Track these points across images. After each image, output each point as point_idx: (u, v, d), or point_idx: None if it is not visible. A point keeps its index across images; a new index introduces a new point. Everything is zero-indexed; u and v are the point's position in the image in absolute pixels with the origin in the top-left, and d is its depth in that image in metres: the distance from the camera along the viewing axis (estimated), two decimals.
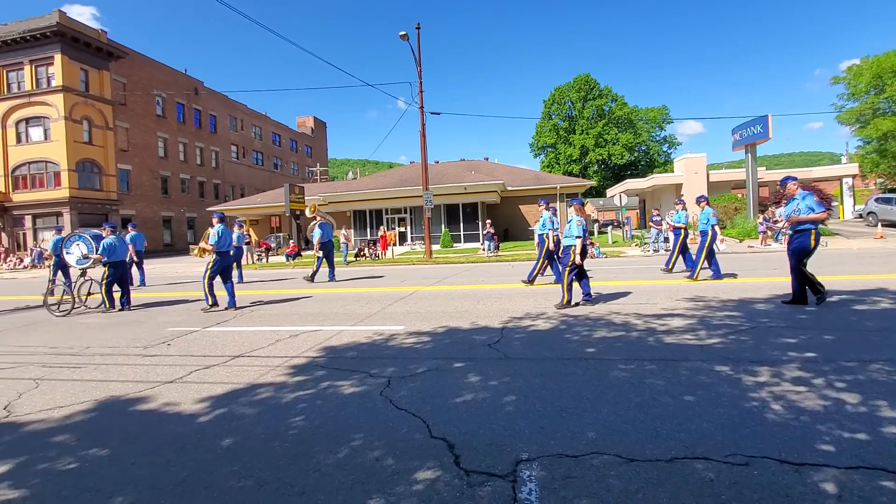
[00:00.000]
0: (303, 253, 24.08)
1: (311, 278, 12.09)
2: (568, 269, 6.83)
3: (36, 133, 31.70)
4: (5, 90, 31.82)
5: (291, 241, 24.39)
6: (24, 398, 3.98)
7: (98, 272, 9.03)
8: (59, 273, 10.71)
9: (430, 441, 2.76)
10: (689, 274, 9.35)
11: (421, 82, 19.20)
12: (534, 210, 30.42)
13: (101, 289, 8.80)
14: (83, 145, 32.14)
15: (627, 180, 41.52)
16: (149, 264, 24.56)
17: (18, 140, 31.84)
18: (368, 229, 29.51)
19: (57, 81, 30.79)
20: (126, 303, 9.02)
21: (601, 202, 53.05)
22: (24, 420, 3.47)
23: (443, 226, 28.34)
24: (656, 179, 36.50)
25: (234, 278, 13.42)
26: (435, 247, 25.08)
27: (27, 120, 31.72)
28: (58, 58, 30.65)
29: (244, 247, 22.94)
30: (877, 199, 25.17)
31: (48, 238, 23.27)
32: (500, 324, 5.92)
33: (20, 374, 4.73)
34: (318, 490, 2.31)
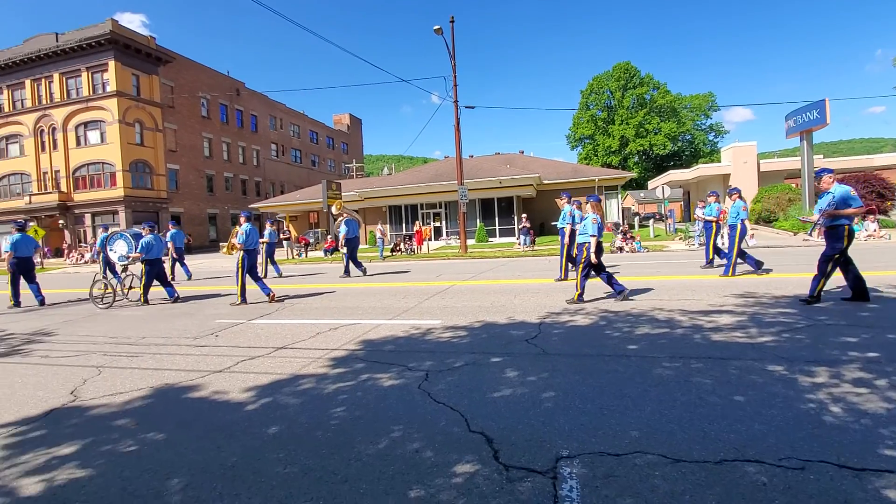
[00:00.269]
0: (341, 248, 24.59)
1: (347, 273, 12.40)
2: (581, 265, 6.76)
3: (93, 136, 33.81)
4: (65, 96, 34.08)
5: (329, 237, 24.96)
6: (88, 384, 4.26)
7: (138, 268, 9.57)
8: (107, 268, 11.40)
9: (468, 435, 2.77)
10: (722, 272, 8.88)
11: (455, 76, 19.14)
12: None
13: (139, 285, 9.39)
14: (135, 147, 34.02)
15: (670, 171, 39.97)
16: (195, 259, 25.77)
17: (78, 143, 34.08)
18: (404, 224, 29.80)
19: (111, 87, 32.69)
20: (173, 294, 9.53)
21: (642, 194, 51.43)
22: (88, 404, 3.72)
23: (478, 220, 28.25)
24: (702, 170, 34.93)
25: (271, 272, 14.01)
26: (470, 241, 25.05)
27: (85, 124, 33.88)
28: (111, 64, 32.53)
29: (284, 242, 23.86)
30: None
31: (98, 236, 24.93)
32: (537, 319, 5.85)
33: (84, 362, 5.07)
34: (360, 479, 2.36)
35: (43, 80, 34.56)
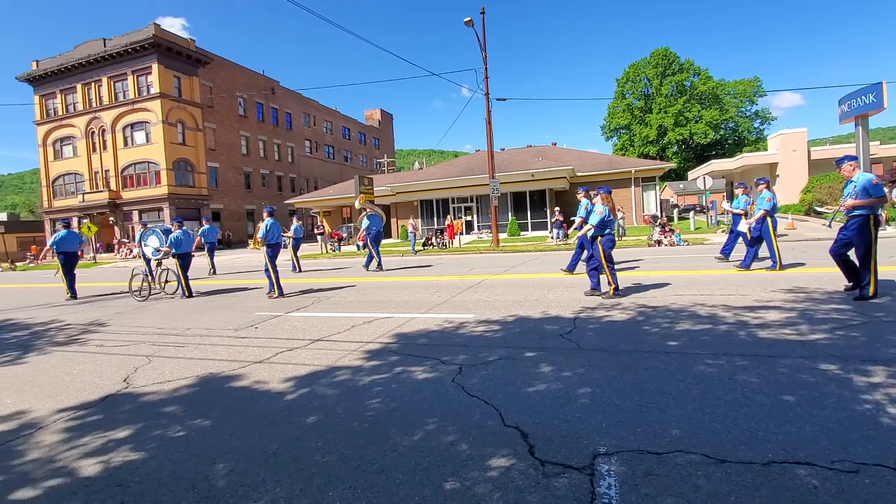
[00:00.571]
0: (360, 240, 24.91)
1: (379, 267, 12.65)
2: (604, 262, 6.63)
3: (139, 137, 35.50)
4: (113, 99, 35.89)
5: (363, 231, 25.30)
6: (139, 372, 4.50)
7: (173, 262, 10.03)
8: (145, 263, 11.96)
9: (503, 429, 2.76)
10: (770, 265, 8.49)
11: (486, 68, 18.94)
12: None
13: (179, 279, 9.85)
14: (178, 146, 35.49)
15: (712, 161, 38.34)
16: (233, 254, 26.71)
17: (125, 143, 35.88)
18: (435, 219, 29.90)
19: (155, 89, 34.18)
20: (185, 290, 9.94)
21: (681, 186, 49.61)
22: (140, 391, 3.93)
23: (509, 214, 28.02)
24: (746, 159, 33.33)
25: (288, 266, 14.37)
26: (502, 235, 24.89)
27: (132, 125, 35.61)
28: (155, 67, 33.99)
29: (318, 237, 24.40)
30: None
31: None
32: (572, 314, 5.76)
33: (135, 351, 5.36)
34: (397, 469, 2.39)
35: (93, 83, 36.49)
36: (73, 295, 10.66)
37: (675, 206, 39.89)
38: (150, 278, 9.98)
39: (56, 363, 5.08)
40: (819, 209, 16.58)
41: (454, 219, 26.80)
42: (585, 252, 8.91)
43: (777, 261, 8.31)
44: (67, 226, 11.25)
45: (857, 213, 5.54)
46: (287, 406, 3.37)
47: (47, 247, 11.03)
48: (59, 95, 38.03)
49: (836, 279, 6.96)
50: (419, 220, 29.65)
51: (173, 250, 9.67)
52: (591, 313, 5.72)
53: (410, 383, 3.65)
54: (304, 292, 9.30)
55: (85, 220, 32.16)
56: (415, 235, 19.73)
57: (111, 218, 36.53)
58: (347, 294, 8.72)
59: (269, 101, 46.12)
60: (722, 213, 23.74)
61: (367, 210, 13.02)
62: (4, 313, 9.25)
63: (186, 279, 9.90)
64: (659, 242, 15.77)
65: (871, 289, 5.47)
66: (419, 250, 19.78)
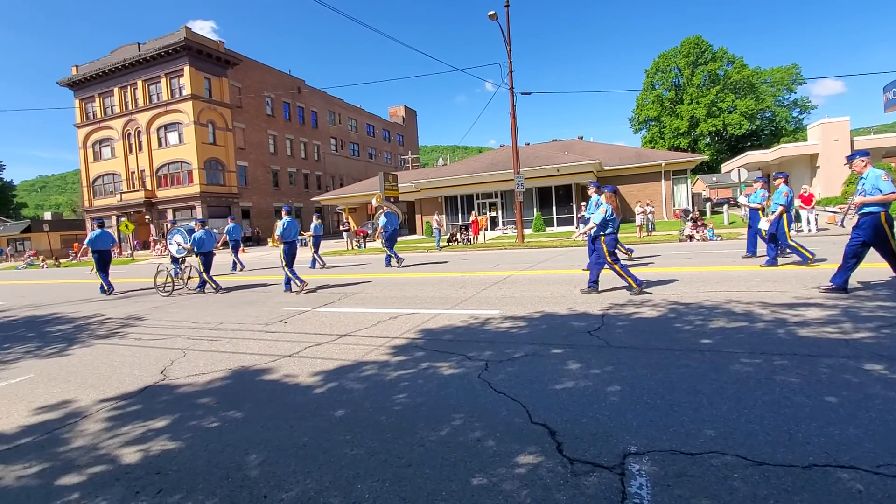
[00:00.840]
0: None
1: (396, 262, 12.81)
2: (608, 258, 6.61)
3: (172, 137, 36.71)
4: (148, 101, 37.19)
5: None
6: (175, 365, 4.67)
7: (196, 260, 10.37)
8: (172, 260, 12.40)
9: (530, 426, 2.74)
10: (800, 260, 8.19)
11: (510, 62, 18.74)
12: (634, 190, 28.49)
13: (205, 276, 10.16)
14: (209, 146, 36.53)
15: (747, 153, 36.99)
16: (261, 251, 27.35)
17: (160, 144, 37.16)
18: (460, 214, 29.85)
19: (187, 90, 35.23)
20: (201, 286, 10.28)
21: (714, 179, 47.89)
22: (176, 383, 4.08)
23: (535, 209, 27.72)
24: (784, 150, 32.01)
25: (307, 263, 14.63)
26: (527, 231, 24.67)
27: (165, 126, 36.85)
28: (186, 69, 35.03)
29: (344, 234, 24.72)
30: None
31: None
32: (600, 310, 5.66)
33: (171, 345, 5.56)
34: (424, 464, 2.40)
35: (128, 87, 37.90)
36: (108, 290, 11.19)
37: (708, 199, 38.58)
38: (172, 275, 10.42)
39: (98, 355, 5.32)
40: (834, 210, 15.98)
41: (479, 214, 26.67)
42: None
43: (806, 255, 8.07)
44: (101, 225, 11.82)
45: (867, 210, 5.39)
46: (316, 399, 3.43)
47: (84, 245, 11.59)
48: (97, 99, 39.65)
49: (880, 273, 6.60)
50: (444, 216, 29.65)
51: (196, 248, 10.03)
52: (621, 310, 5.60)
53: (436, 379, 3.66)
54: (328, 287, 9.45)
55: (123, 219, 33.54)
56: (439, 231, 19.75)
57: (147, 216, 37.95)
58: (373, 290, 8.81)
59: (295, 100, 46.92)
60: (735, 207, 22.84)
61: (385, 208, 13.18)
62: (51, 307, 9.74)
63: (210, 276, 10.23)
64: (691, 237, 15.32)
65: None
66: (444, 246, 19.80)
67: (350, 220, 24.03)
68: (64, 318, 8.17)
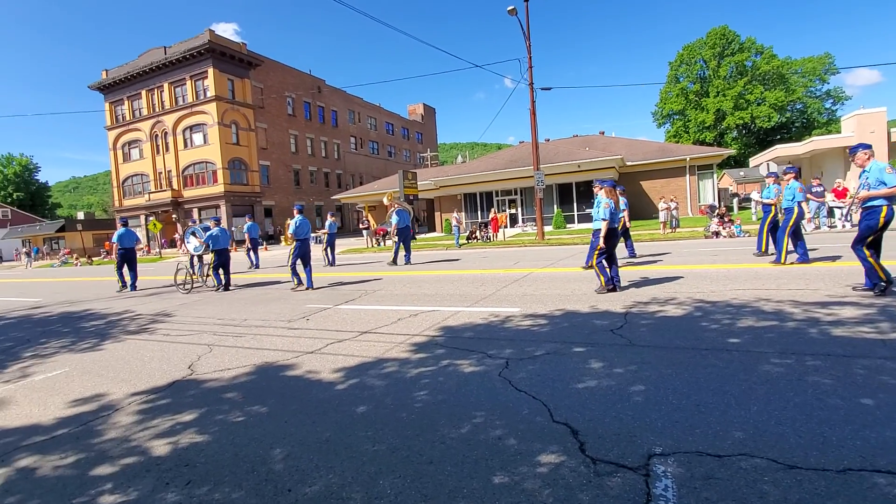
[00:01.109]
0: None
1: (394, 261, 12.90)
2: (596, 253, 6.70)
3: (197, 138, 37.62)
4: (174, 103, 38.17)
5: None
6: (202, 360, 4.79)
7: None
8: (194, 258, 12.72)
9: (552, 425, 2.71)
10: (774, 258, 8.17)
11: (530, 57, 18.55)
12: (658, 186, 27.93)
13: (211, 271, 10.50)
14: (232, 146, 37.30)
15: (777, 146, 35.74)
16: (282, 249, 27.76)
17: (185, 145, 38.15)
18: (479, 212, 29.74)
19: (211, 92, 36.03)
20: (218, 283, 10.48)
21: (742, 173, 46.52)
22: (202, 378, 4.18)
23: (555, 206, 27.43)
24: (816, 143, 30.81)
25: (326, 261, 14.80)
26: (547, 228, 24.43)
27: (191, 127, 37.78)
28: (210, 71, 35.82)
29: (364, 231, 24.93)
30: None
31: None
32: (622, 308, 5.57)
33: (197, 340, 5.70)
34: (445, 461, 2.41)
35: (155, 89, 38.99)
36: (124, 286, 11.72)
37: (735, 194, 37.51)
38: (191, 272, 10.76)
39: (129, 350, 5.50)
40: (838, 204, 15.41)
41: (498, 212, 26.55)
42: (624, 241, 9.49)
43: (781, 255, 8.00)
44: (125, 224, 12.36)
45: (871, 204, 5.30)
46: (338, 395, 3.47)
47: (112, 242, 12.06)
48: (126, 102, 40.90)
49: None
50: (463, 213, 29.60)
51: (211, 246, 10.31)
52: (644, 308, 5.50)
53: (457, 376, 3.66)
54: (348, 284, 9.55)
55: (151, 218, 34.54)
56: (459, 229, 19.73)
57: (174, 215, 38.99)
58: (393, 287, 8.86)
59: (315, 99, 47.49)
60: (808, 200, 22.09)
61: (396, 206, 13.29)
62: (84, 304, 10.11)
63: (217, 273, 10.53)
64: (717, 234, 14.94)
65: (881, 277, 5.25)
66: (463, 244, 19.78)
67: (370, 218, 24.17)
68: (97, 315, 8.47)
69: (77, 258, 33.06)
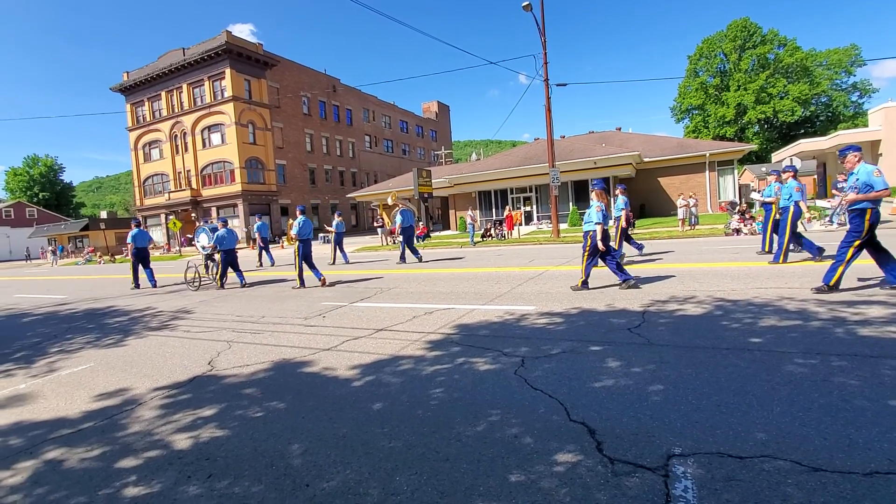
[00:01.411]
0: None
1: (402, 259, 13.08)
2: (587, 253, 6.85)
3: (215, 138, 38.21)
4: (192, 104, 38.83)
5: (421, 224, 25.69)
6: (221, 356, 4.87)
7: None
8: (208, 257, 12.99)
9: (568, 424, 2.69)
10: (773, 258, 8.09)
11: (545, 53, 18.37)
12: (676, 182, 27.46)
13: (218, 270, 10.73)
14: (249, 146, 37.81)
15: (801, 140, 34.86)
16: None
17: (204, 145, 38.79)
18: (494, 210, 29.65)
19: (228, 92, 36.55)
20: (242, 280, 10.71)
21: (764, 169, 45.34)
22: (222, 374, 4.26)
23: (570, 203, 27.18)
24: (842, 137, 29.95)
25: (339, 259, 14.94)
26: (562, 226, 24.23)
27: (209, 128, 38.40)
28: (228, 72, 36.33)
29: (378, 230, 25.05)
30: None
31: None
32: (640, 307, 5.49)
33: (217, 337, 5.80)
34: (461, 458, 2.41)
35: (174, 90, 39.71)
36: (137, 285, 12.04)
37: (755, 190, 36.67)
38: (199, 271, 11.06)
39: (151, 346, 5.63)
40: (826, 204, 15.05)
41: (513, 209, 26.42)
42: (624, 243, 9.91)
43: (782, 254, 7.92)
44: (139, 224, 12.67)
45: (857, 207, 5.32)
46: (354, 392, 3.50)
47: (128, 241, 12.36)
48: (146, 103, 41.76)
49: None
50: (478, 211, 29.54)
51: (218, 246, 10.54)
52: (662, 307, 5.42)
53: (473, 374, 3.66)
54: (363, 281, 9.61)
55: (171, 217, 35.25)
56: (474, 227, 19.70)
57: (193, 214, 39.72)
58: (408, 285, 8.89)
59: (330, 98, 47.82)
60: (813, 198, 21.56)
61: (400, 205, 13.43)
62: (108, 301, 10.37)
63: (239, 271, 10.77)
64: (738, 231, 14.62)
65: (835, 280, 5.37)
66: (478, 241, 19.74)
67: (384, 216, 24.29)
68: (120, 311, 8.68)
69: (100, 256, 33.94)
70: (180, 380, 4.19)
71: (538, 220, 28.55)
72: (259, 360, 4.60)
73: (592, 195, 7.13)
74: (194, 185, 39.31)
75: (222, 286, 10.69)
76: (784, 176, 8.38)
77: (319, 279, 9.61)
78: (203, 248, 11.38)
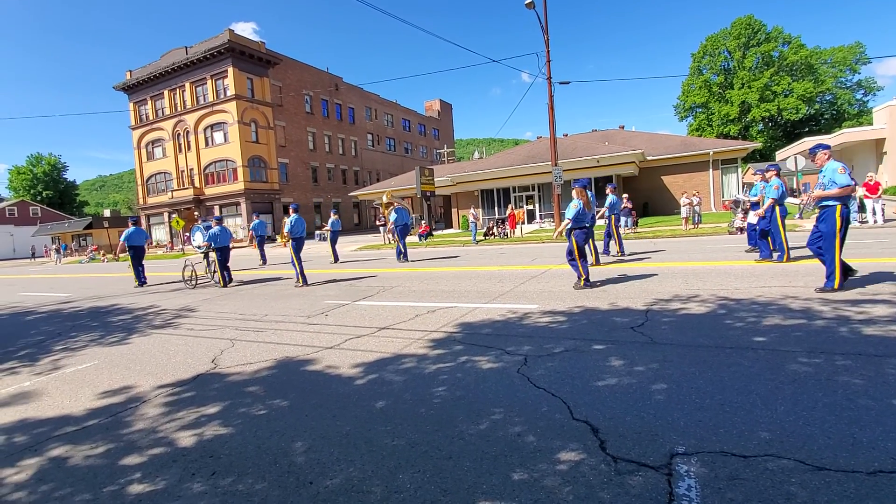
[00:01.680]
0: (434, 233, 25.21)
1: (405, 258, 13.19)
2: (576, 253, 6.90)
3: (218, 137, 38.28)
4: (195, 102, 38.89)
5: (423, 222, 25.68)
6: (224, 354, 4.89)
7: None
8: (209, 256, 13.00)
9: (571, 422, 2.69)
10: (777, 256, 8.13)
11: (548, 51, 18.33)
12: (680, 181, 27.38)
13: (218, 269, 10.79)
14: (252, 144, 37.87)
15: (805, 138, 34.73)
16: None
17: (206, 144, 38.87)
18: (496, 208, 29.62)
19: (231, 91, 36.60)
20: (226, 279, 10.80)
21: (768, 167, 45.26)
22: (225, 372, 4.27)
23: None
24: (847, 135, 29.81)
25: (341, 256, 14.98)
26: None
27: (211, 126, 38.47)
28: (230, 70, 36.37)
29: (381, 228, 25.06)
30: None
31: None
32: (643, 305, 5.48)
33: (220, 335, 5.82)
34: (464, 457, 2.41)
35: (177, 89, 39.78)
36: (141, 283, 12.01)
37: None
38: (196, 269, 11.13)
39: (155, 344, 5.65)
40: (792, 200, 15.09)
41: (515, 208, 26.38)
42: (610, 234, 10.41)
43: (785, 252, 7.94)
44: (136, 223, 12.63)
45: (825, 203, 5.47)
46: (357, 390, 3.51)
47: (120, 241, 12.34)
48: (149, 102, 41.85)
49: None
50: (480, 209, 29.51)
51: (212, 244, 10.63)
52: (666, 305, 5.41)
53: (475, 373, 3.66)
54: (365, 279, 9.62)
55: (174, 215, 35.34)
56: (476, 225, 19.69)
57: (196, 213, 39.80)
58: (410, 284, 8.90)
59: (333, 97, 47.83)
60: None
61: (395, 204, 13.54)
62: (111, 299, 10.41)
63: (227, 269, 10.83)
64: (741, 230, 14.57)
65: (836, 281, 5.38)
66: (480, 240, 19.73)
67: (386, 214, 24.31)
68: (123, 309, 8.72)
69: (104, 254, 34.07)
70: (184, 377, 4.20)
71: (541, 218, 28.51)
72: (262, 358, 4.61)
73: (573, 192, 7.27)
74: (197, 184, 39.39)
75: (225, 284, 10.71)
76: (768, 175, 8.46)
77: (302, 282, 9.61)
78: (198, 246, 11.43)
